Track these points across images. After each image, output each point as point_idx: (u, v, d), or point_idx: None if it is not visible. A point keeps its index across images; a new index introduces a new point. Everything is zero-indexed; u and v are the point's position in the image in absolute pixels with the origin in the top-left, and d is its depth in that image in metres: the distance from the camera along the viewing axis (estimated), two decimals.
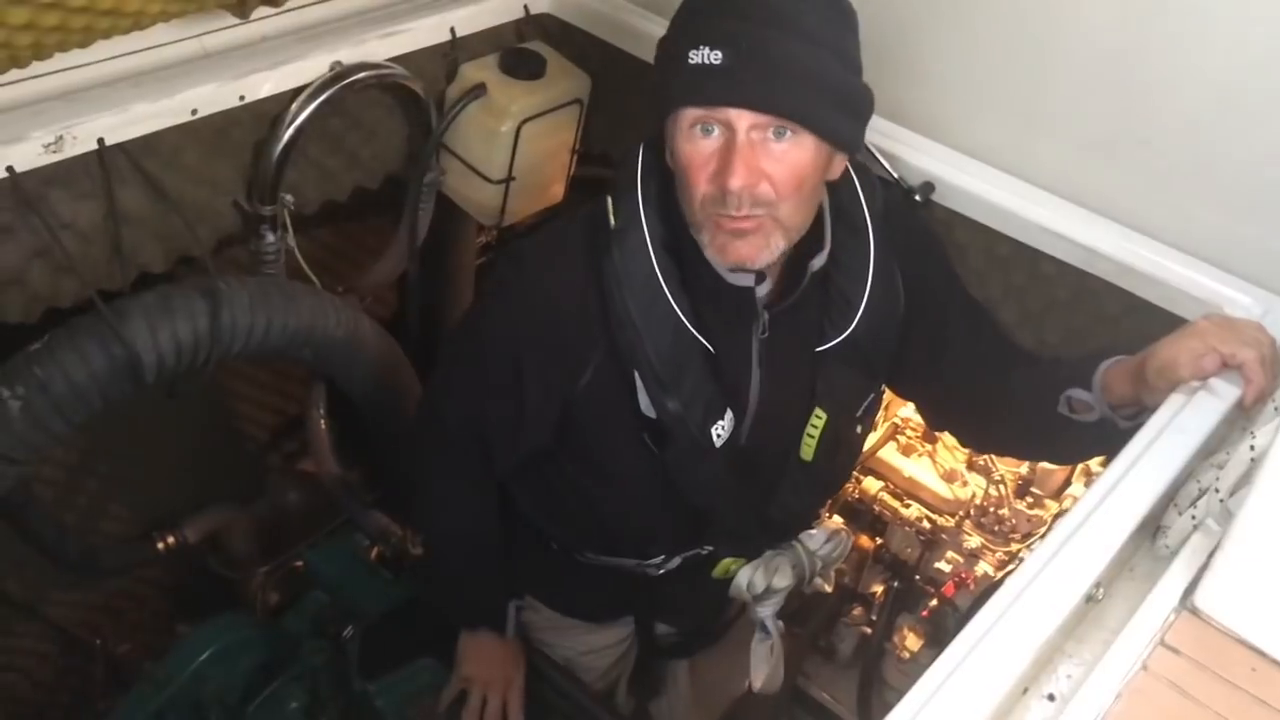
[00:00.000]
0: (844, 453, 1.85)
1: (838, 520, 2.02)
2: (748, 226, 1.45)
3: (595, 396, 1.65)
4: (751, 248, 1.47)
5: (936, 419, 2.01)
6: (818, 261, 1.59)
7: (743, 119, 1.39)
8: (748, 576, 1.89)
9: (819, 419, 1.71)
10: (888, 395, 2.00)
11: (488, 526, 1.96)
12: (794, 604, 2.95)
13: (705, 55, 1.37)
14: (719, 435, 1.65)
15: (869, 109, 1.51)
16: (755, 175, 1.41)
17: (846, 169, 1.59)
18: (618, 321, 1.56)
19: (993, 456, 2.87)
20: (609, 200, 1.59)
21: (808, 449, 1.74)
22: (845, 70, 1.46)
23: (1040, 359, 1.85)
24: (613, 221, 1.57)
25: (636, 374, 1.60)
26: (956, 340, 1.75)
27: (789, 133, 1.41)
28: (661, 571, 1.94)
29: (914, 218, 1.84)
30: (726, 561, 1.91)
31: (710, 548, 1.89)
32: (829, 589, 2.08)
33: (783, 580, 1.90)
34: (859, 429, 1.81)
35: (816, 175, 1.48)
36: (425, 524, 2.12)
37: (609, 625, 2.16)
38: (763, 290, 1.59)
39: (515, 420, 1.72)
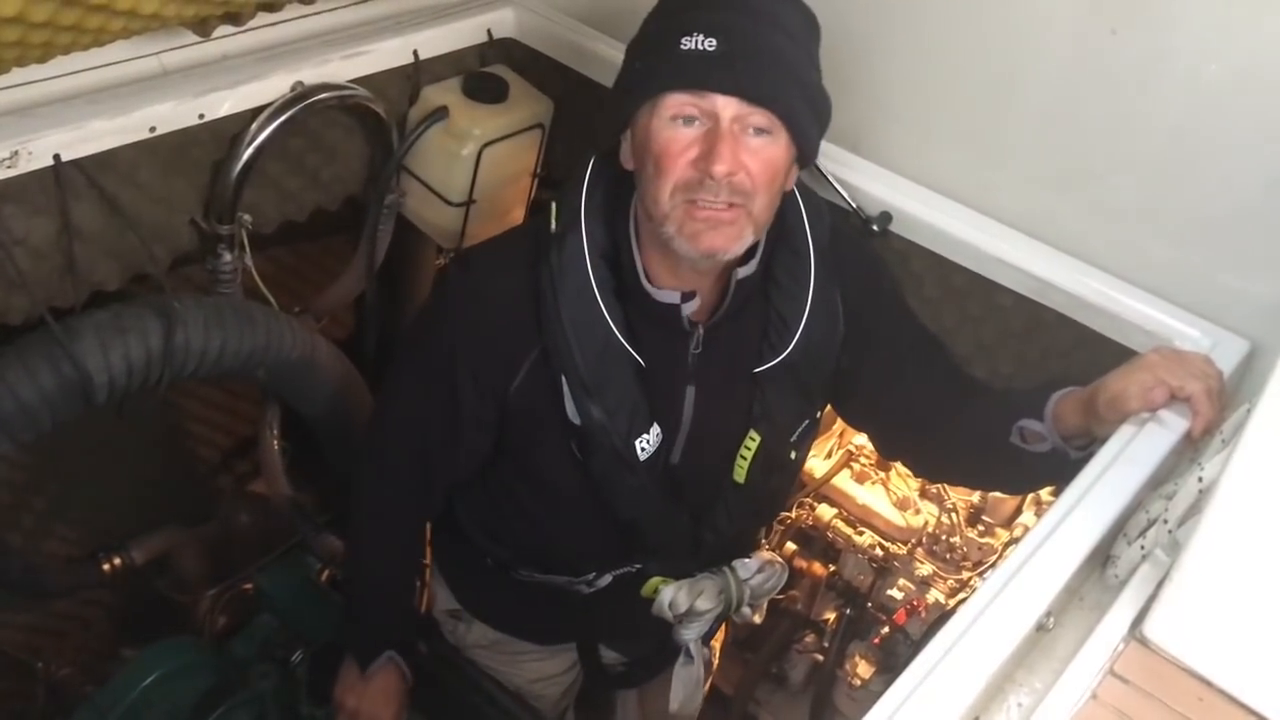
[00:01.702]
0: (778, 477, 1.86)
1: (773, 554, 2.01)
2: (725, 216, 1.47)
3: (527, 399, 1.67)
4: (725, 237, 1.49)
5: (888, 449, 2.02)
6: (744, 270, 1.60)
7: (729, 108, 1.42)
8: (670, 595, 1.88)
9: (752, 440, 1.73)
10: (841, 423, 2.01)
11: (402, 572, 2.02)
12: (745, 631, 2.98)
13: (699, 41, 1.40)
14: (644, 449, 1.66)
15: (829, 117, 1.55)
16: (738, 163, 1.44)
17: (794, 193, 1.63)
18: (549, 324, 1.58)
19: (945, 485, 2.90)
20: (553, 205, 1.62)
21: (740, 470, 1.75)
22: (818, 76, 1.51)
23: (992, 389, 1.87)
24: (553, 225, 1.59)
25: (564, 378, 1.61)
26: (907, 372, 1.76)
27: (767, 131, 1.45)
28: (593, 589, 1.94)
29: (862, 247, 1.85)
30: (655, 580, 1.90)
31: (640, 565, 1.89)
32: (758, 620, 2.06)
33: (706, 603, 1.88)
34: (793, 454, 1.82)
35: (783, 177, 1.52)
36: (349, 553, 2.16)
37: (555, 652, 2.15)
38: (690, 308, 1.60)
39: (453, 422, 1.72)
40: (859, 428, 1.98)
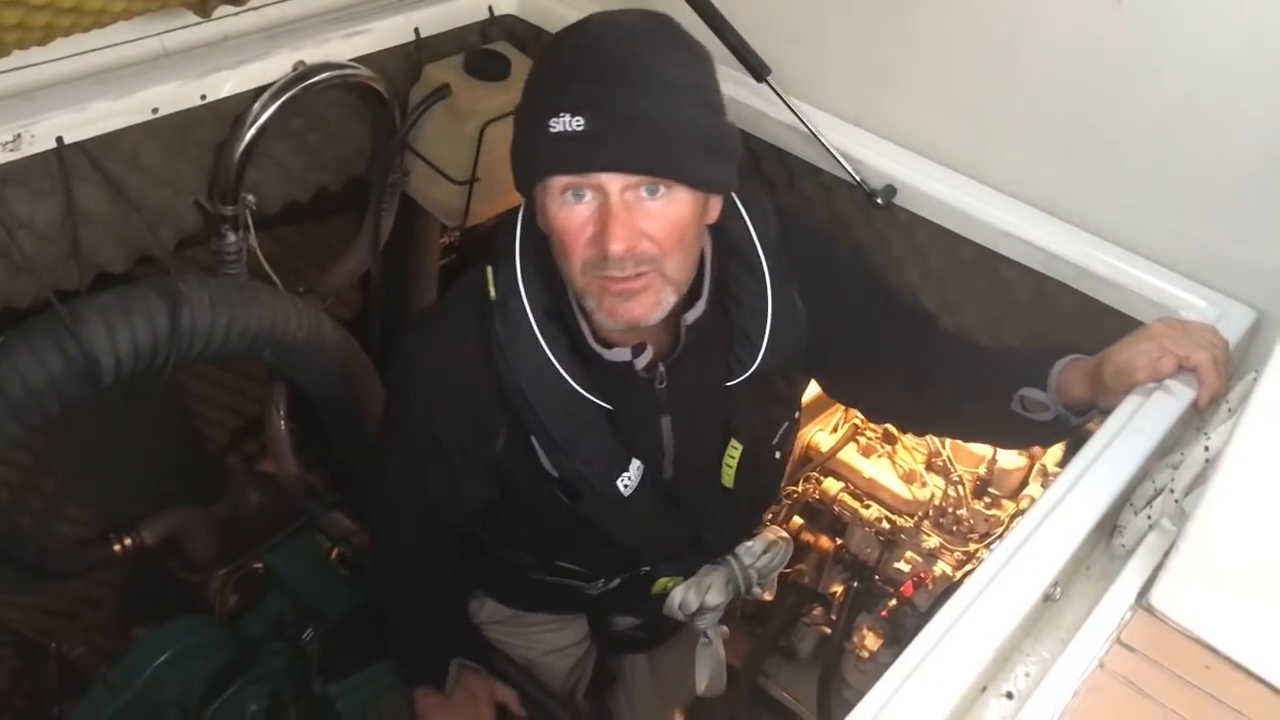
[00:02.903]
0: (766, 474, 1.87)
1: (777, 530, 2.02)
2: (636, 286, 1.42)
3: (511, 459, 1.66)
4: (643, 306, 1.44)
5: (875, 415, 2.02)
6: (691, 315, 1.56)
7: (614, 182, 1.36)
8: (679, 597, 1.90)
9: (735, 449, 1.72)
10: None
11: (447, 604, 2.04)
12: (753, 606, 2.99)
13: (566, 122, 1.33)
14: (626, 486, 1.65)
15: (738, 148, 1.47)
16: (635, 235, 1.38)
17: (733, 203, 1.58)
18: (508, 392, 1.56)
19: (951, 458, 2.90)
20: (488, 270, 1.57)
21: (727, 477, 1.75)
22: (710, 114, 1.43)
23: (989, 351, 1.87)
24: (492, 292, 1.55)
25: (533, 438, 1.61)
26: (884, 340, 1.75)
27: (662, 189, 1.38)
28: (601, 591, 1.98)
29: (811, 233, 1.78)
30: (664, 580, 1.93)
31: (648, 569, 1.91)
32: (769, 597, 2.08)
33: (716, 597, 1.90)
34: (778, 454, 1.82)
35: (695, 224, 1.45)
36: (389, 617, 2.12)
37: (568, 622, 2.17)
38: (643, 360, 1.58)
39: (452, 482, 1.73)
40: (845, 402, 1.98)
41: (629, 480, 1.65)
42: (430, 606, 2.03)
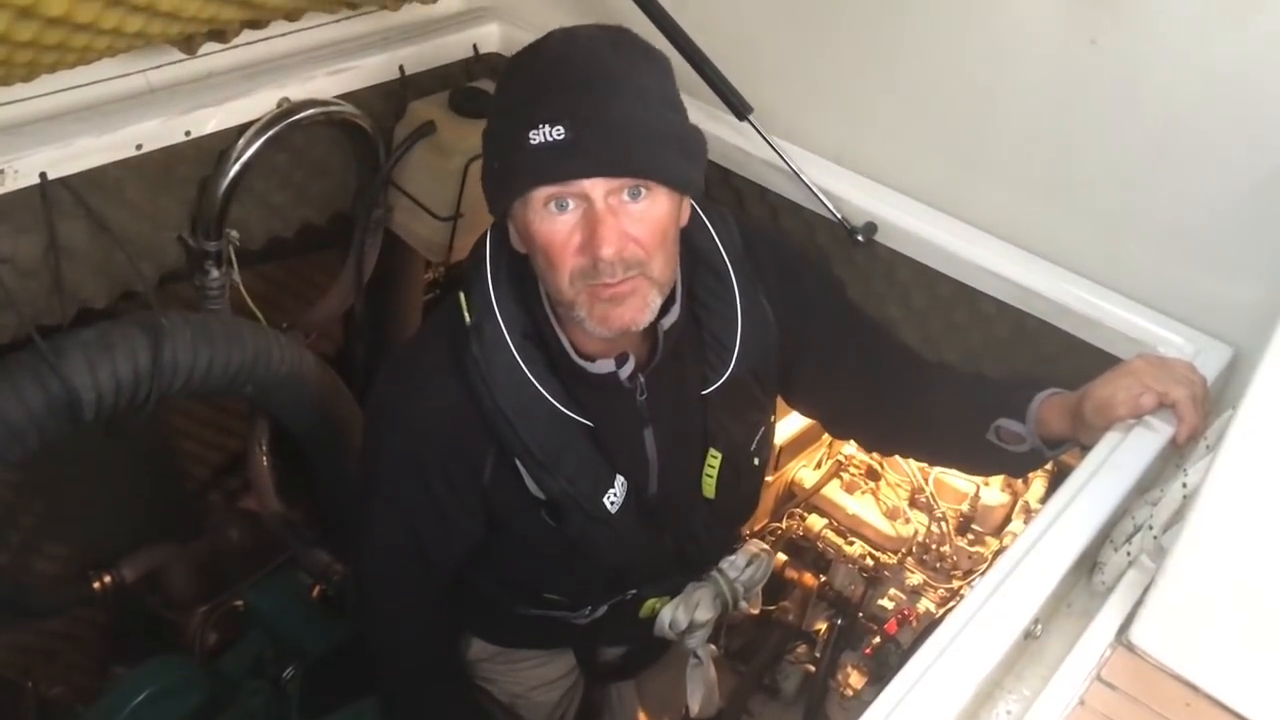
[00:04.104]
0: (746, 483, 1.86)
1: (758, 543, 2.02)
2: (625, 290, 1.44)
3: (498, 487, 1.66)
4: (632, 310, 1.46)
5: (836, 429, 2.01)
6: (667, 321, 1.58)
7: (598, 187, 1.38)
8: (669, 616, 1.90)
9: (714, 458, 1.73)
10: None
11: (428, 649, 1.96)
12: (738, 642, 2.97)
13: (546, 133, 1.35)
14: (612, 502, 1.65)
15: (704, 149, 1.51)
16: (623, 239, 1.40)
17: (696, 212, 1.60)
18: (490, 417, 1.56)
19: (935, 494, 2.91)
20: (461, 296, 1.58)
21: (708, 488, 1.76)
22: (680, 117, 1.47)
23: (962, 374, 1.88)
24: (467, 318, 1.55)
25: (518, 461, 1.61)
26: (845, 352, 1.76)
27: (643, 191, 1.41)
28: (590, 619, 1.96)
29: (775, 241, 1.80)
30: (651, 601, 1.92)
31: (634, 591, 1.90)
32: (755, 611, 2.09)
33: (705, 613, 1.90)
34: (756, 460, 1.82)
35: (674, 225, 1.48)
36: (372, 647, 2.05)
37: (554, 655, 2.16)
38: (627, 370, 1.59)
39: (439, 524, 1.72)
40: (806, 413, 1.97)
41: (615, 497, 1.65)
42: (421, 660, 1.96)
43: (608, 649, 2.16)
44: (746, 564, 1.95)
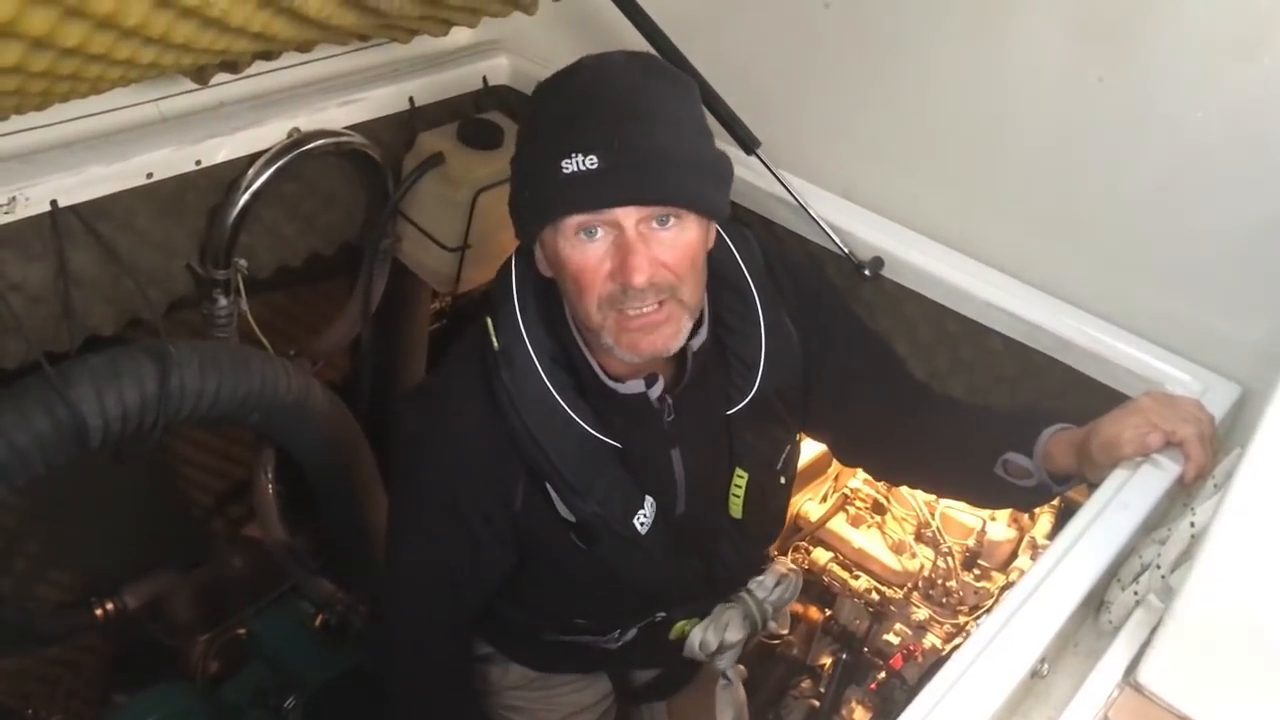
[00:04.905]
0: (773, 501, 1.87)
1: (785, 563, 2.02)
2: (658, 318, 1.46)
3: (529, 513, 1.66)
4: (664, 337, 1.48)
5: (846, 454, 2.00)
6: (696, 342, 1.59)
7: (629, 216, 1.39)
8: (699, 637, 1.91)
9: (741, 477, 1.74)
10: (836, 466, 2.00)
11: (454, 686, 1.93)
12: (751, 665, 2.95)
13: (580, 162, 1.36)
14: (642, 524, 1.65)
15: (731, 173, 1.52)
16: (655, 266, 1.41)
17: (719, 234, 1.61)
18: (521, 441, 1.56)
19: (941, 529, 2.89)
20: (489, 321, 1.59)
21: (735, 507, 1.77)
22: (709, 143, 1.49)
23: (970, 407, 1.88)
24: (495, 343, 1.56)
25: (549, 485, 1.61)
26: (859, 374, 1.77)
27: (672, 219, 1.42)
28: (620, 644, 1.95)
29: (794, 262, 1.83)
30: (681, 623, 1.92)
31: (664, 614, 1.90)
32: (784, 631, 2.11)
33: (735, 634, 1.91)
34: (782, 479, 1.83)
35: (703, 250, 1.50)
36: (392, 686, 1.96)
37: (591, 681, 2.15)
38: (656, 391, 1.60)
39: (472, 555, 1.70)
40: (816, 437, 1.97)
41: (644, 518, 1.65)
42: (436, 689, 1.91)
43: (640, 672, 2.16)
44: (775, 584, 1.96)
